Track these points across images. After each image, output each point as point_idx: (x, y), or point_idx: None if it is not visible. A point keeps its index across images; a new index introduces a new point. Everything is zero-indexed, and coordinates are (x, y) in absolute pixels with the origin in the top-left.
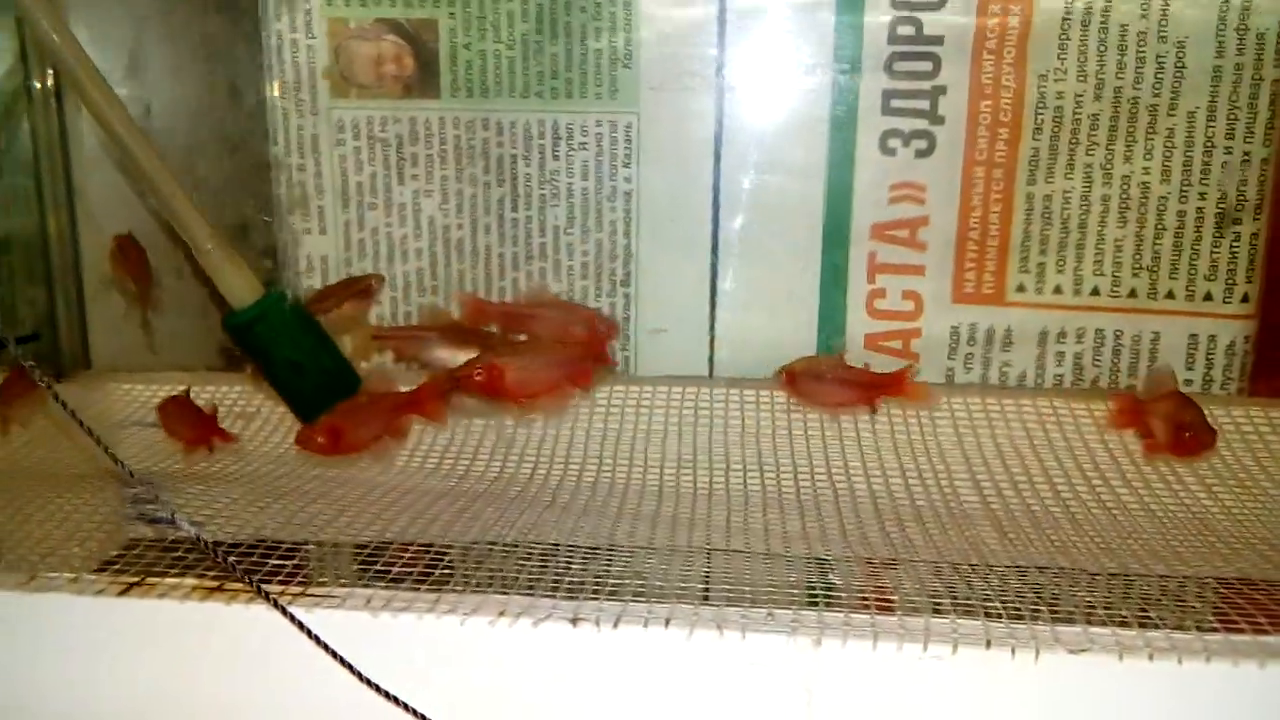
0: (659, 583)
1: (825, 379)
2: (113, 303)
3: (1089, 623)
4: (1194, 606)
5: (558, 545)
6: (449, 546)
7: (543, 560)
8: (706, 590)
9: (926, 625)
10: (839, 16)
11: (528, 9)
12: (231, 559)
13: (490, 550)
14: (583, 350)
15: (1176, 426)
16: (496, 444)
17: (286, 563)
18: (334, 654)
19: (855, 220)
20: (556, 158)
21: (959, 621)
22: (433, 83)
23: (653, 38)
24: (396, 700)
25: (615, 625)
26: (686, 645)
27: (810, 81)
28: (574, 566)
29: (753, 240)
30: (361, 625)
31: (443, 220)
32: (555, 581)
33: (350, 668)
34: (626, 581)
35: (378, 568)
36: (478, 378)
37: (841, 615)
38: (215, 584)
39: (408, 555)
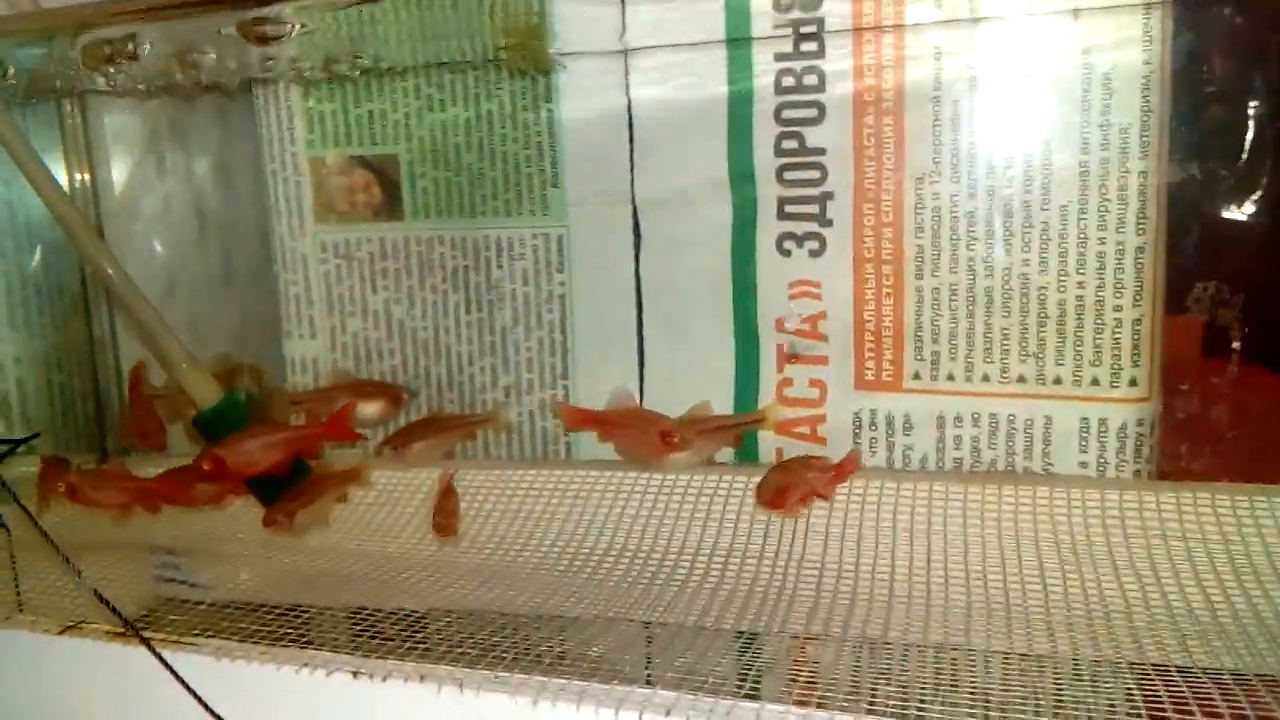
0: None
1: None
2: None
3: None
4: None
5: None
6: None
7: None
8: None
9: None
10: (730, 132)
11: (470, 142)
12: (120, 613)
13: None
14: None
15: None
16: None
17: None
18: (177, 677)
19: (761, 314)
20: (500, 267)
21: None
22: (397, 207)
23: (575, 162)
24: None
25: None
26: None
27: (711, 192)
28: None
29: (672, 335)
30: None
31: (410, 323)
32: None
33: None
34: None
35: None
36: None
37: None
38: (122, 630)
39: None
